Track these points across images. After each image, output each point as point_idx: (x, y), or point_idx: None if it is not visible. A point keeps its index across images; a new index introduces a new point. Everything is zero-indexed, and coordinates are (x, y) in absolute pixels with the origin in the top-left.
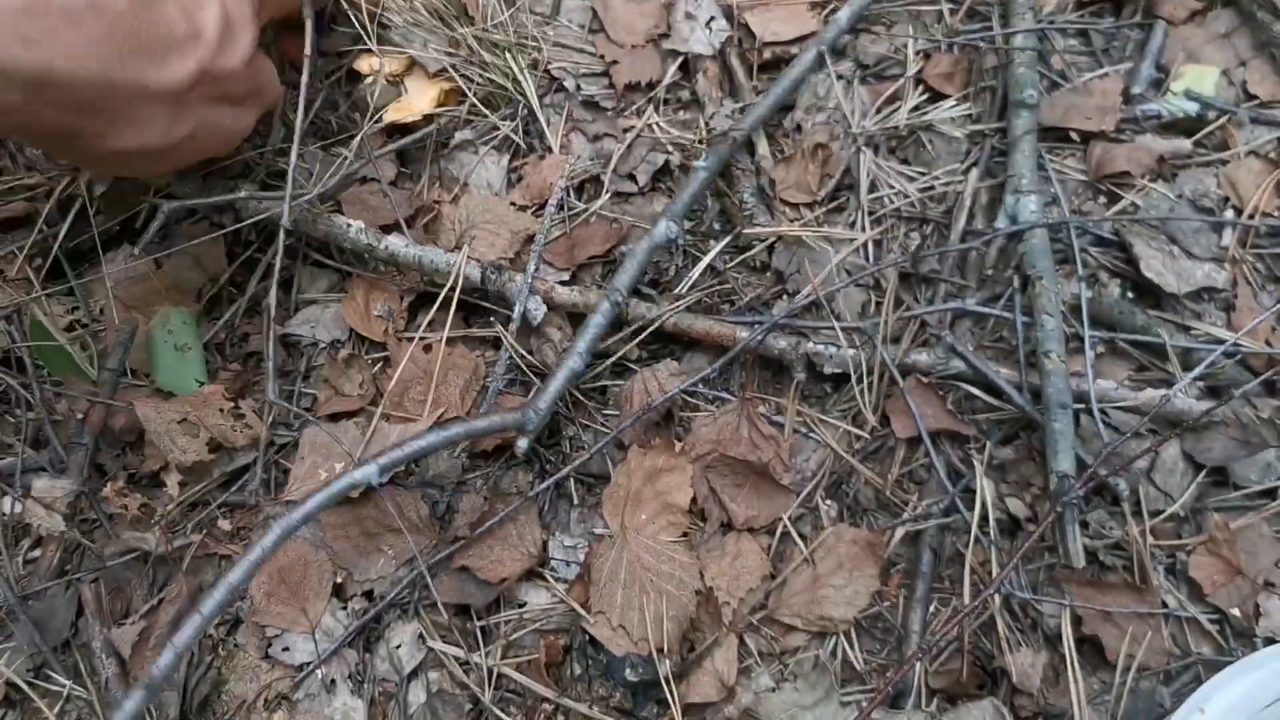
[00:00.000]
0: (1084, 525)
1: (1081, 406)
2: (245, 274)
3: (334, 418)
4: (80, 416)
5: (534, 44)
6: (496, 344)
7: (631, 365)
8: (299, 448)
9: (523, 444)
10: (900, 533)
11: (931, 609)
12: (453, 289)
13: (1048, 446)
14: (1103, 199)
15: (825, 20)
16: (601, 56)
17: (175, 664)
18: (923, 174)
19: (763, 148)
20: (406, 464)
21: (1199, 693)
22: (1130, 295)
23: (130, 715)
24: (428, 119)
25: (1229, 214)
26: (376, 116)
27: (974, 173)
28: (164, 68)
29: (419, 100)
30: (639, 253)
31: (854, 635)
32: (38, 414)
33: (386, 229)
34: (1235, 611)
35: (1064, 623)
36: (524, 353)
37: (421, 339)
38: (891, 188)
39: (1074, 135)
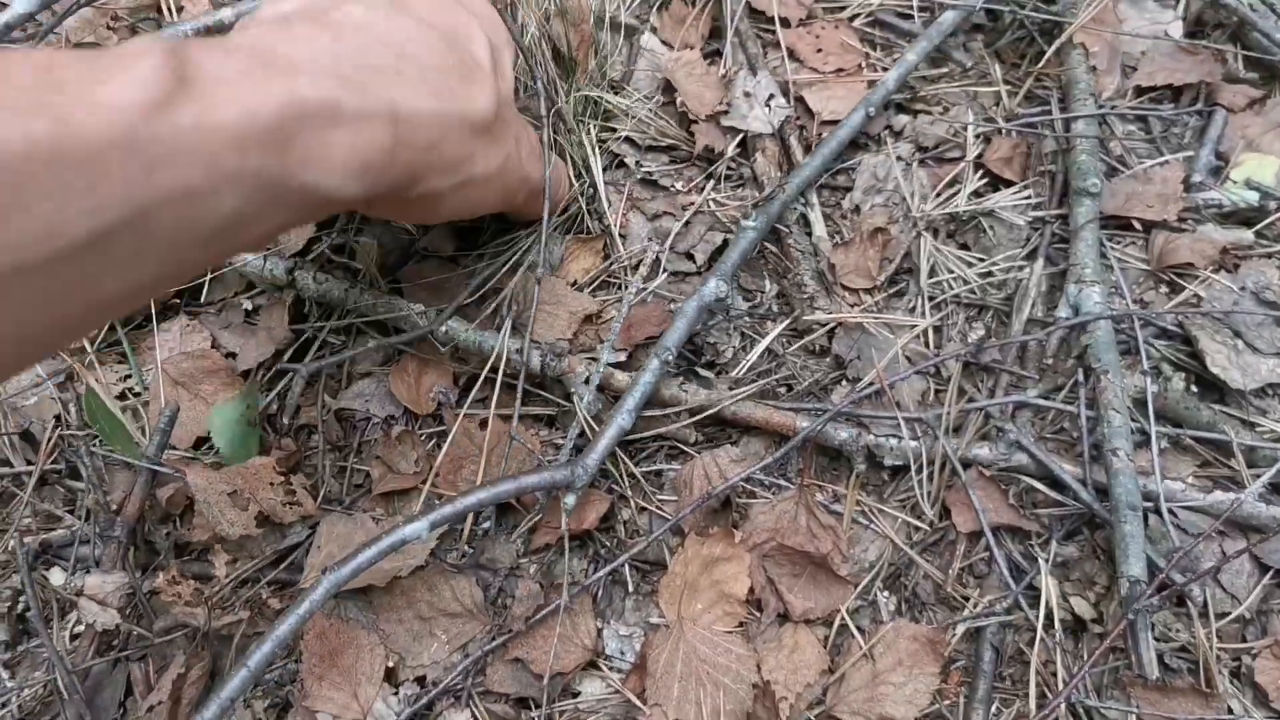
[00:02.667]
0: (1150, 627)
1: (1149, 505)
2: (302, 346)
3: (388, 496)
4: (114, 509)
5: (613, 115)
6: (550, 422)
7: (687, 449)
8: (316, 536)
9: (570, 500)
10: (961, 629)
11: (993, 709)
12: (508, 374)
13: (1117, 550)
14: (1165, 289)
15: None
16: (683, 114)
17: (220, 716)
18: (982, 260)
19: (820, 229)
20: (457, 522)
21: None
22: (1194, 389)
23: None
24: None
25: None
26: None
27: (1037, 261)
28: (473, 98)
29: None
30: (688, 310)
31: None
32: (88, 488)
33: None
34: None
35: None
36: (591, 421)
37: (468, 414)
38: (951, 273)
39: (1135, 224)
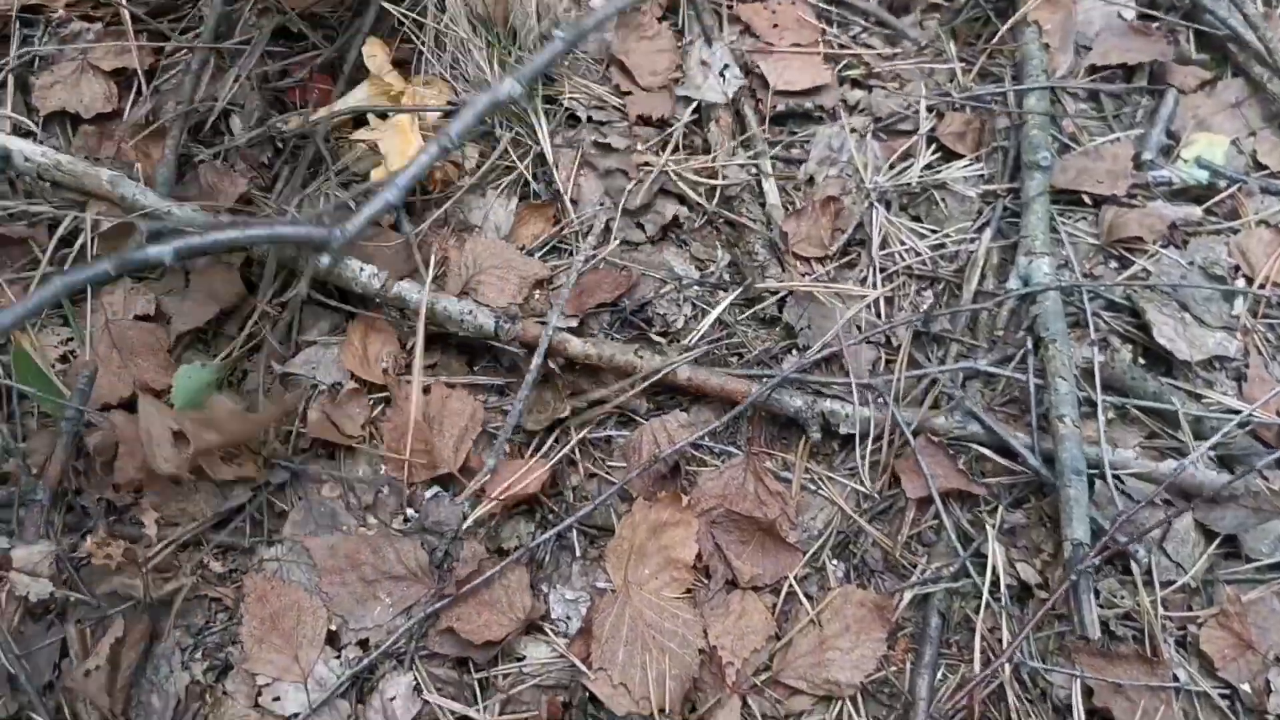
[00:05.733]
0: (1095, 594)
1: (1095, 472)
2: (245, 312)
3: (332, 455)
4: (35, 472)
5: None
6: (501, 391)
7: (639, 418)
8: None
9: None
10: (908, 596)
11: (939, 675)
12: (458, 335)
13: (1062, 513)
14: (1114, 263)
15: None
16: (616, 86)
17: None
18: (934, 231)
19: (773, 197)
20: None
21: None
22: (1142, 361)
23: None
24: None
25: (1240, 283)
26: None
27: (986, 233)
28: None
29: (397, 159)
30: (478, 103)
31: (860, 700)
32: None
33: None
34: (1245, 687)
35: (1074, 694)
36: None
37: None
38: (903, 244)
39: (1086, 199)
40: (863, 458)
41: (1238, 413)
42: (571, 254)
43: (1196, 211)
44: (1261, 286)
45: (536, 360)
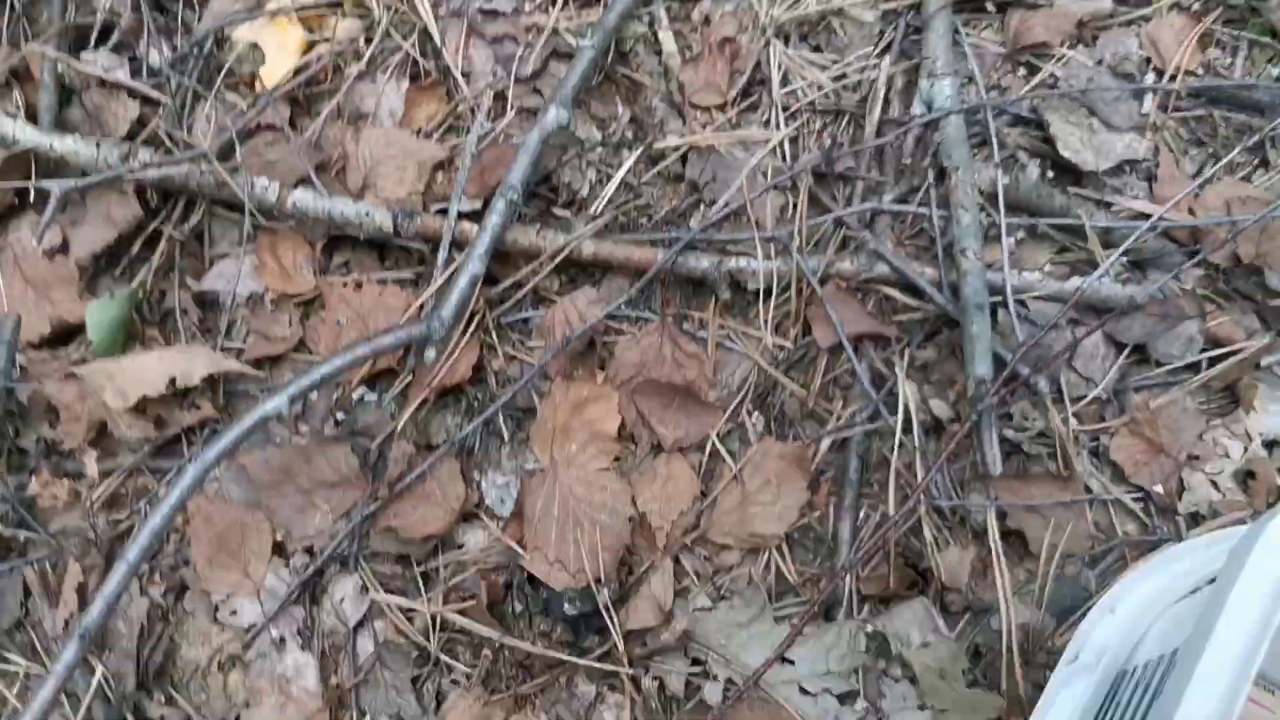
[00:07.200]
0: (1007, 418)
1: (999, 299)
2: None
3: (259, 363)
4: None
5: None
6: (415, 283)
7: (552, 295)
8: None
9: (430, 354)
10: (827, 442)
11: (861, 515)
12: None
13: (965, 350)
14: (1022, 71)
15: None
16: None
17: (106, 612)
18: (835, 62)
19: (669, 44)
20: (315, 391)
21: (1109, 594)
22: (1050, 175)
23: (68, 665)
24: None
25: (1150, 78)
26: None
27: (886, 58)
28: None
29: (282, 61)
30: (530, 144)
31: (785, 549)
32: None
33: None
34: (1158, 489)
35: (989, 519)
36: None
37: (335, 280)
38: (804, 79)
39: (990, 5)
40: (772, 311)
41: (1147, 217)
42: (468, 131)
43: (1106, 4)
44: (1172, 78)
45: (442, 255)
